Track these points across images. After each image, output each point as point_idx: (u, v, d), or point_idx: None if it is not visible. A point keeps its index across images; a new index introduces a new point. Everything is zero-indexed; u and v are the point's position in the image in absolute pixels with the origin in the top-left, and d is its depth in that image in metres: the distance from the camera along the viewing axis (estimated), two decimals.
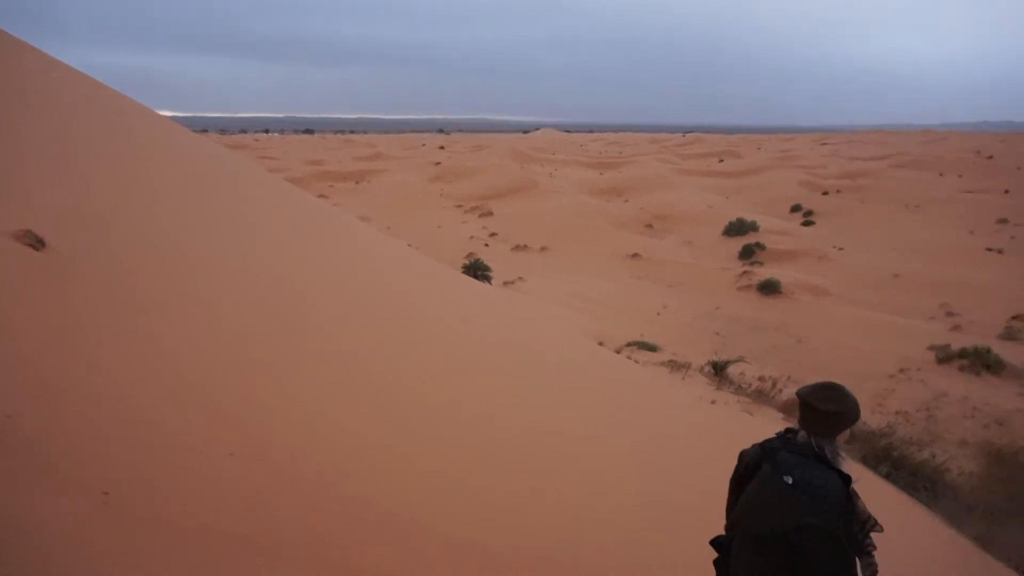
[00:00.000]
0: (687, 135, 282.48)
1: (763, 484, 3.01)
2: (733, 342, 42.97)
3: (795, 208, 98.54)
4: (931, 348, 41.64)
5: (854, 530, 2.87)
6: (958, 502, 19.43)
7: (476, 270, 49.31)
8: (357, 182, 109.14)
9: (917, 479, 18.78)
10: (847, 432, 3.10)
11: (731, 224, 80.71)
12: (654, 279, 62.11)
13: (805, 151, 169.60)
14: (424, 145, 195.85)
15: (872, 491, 15.21)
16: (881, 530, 3.01)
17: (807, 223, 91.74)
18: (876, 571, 2.95)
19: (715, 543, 3.36)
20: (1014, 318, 49.68)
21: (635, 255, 69.12)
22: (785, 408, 20.02)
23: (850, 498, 2.89)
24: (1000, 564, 13.61)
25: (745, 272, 61.63)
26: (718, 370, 24.54)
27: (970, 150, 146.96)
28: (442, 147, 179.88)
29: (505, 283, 53.82)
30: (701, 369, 24.64)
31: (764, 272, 60.99)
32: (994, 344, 42.74)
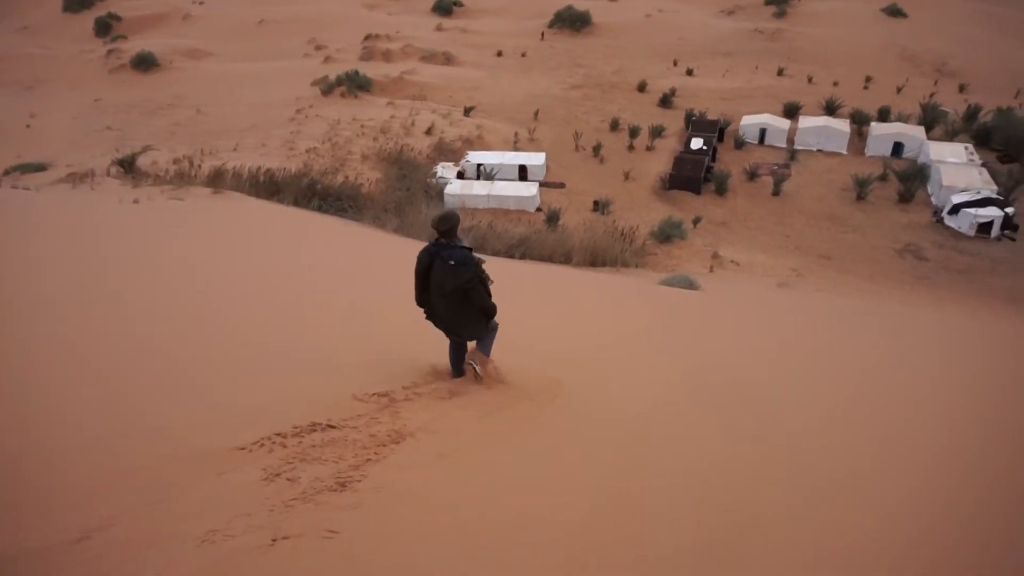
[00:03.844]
0: None
1: (442, 268, 5.70)
2: (131, 132, 39.14)
3: None
4: (314, 83, 45.14)
5: (482, 273, 5.78)
6: (376, 207, 23.34)
7: None
8: None
9: (342, 201, 21.67)
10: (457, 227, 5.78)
11: None
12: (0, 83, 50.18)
13: None
14: None
15: (310, 224, 17.05)
16: (484, 261, 5.89)
17: None
18: (490, 280, 5.94)
19: (419, 303, 6.05)
20: (366, 39, 56.60)
21: None
22: (211, 181, 19.97)
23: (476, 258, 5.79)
24: (410, 239, 17.28)
25: (112, 51, 54.26)
26: (128, 167, 22.57)
27: None
28: None
29: None
30: (108, 172, 22.23)
31: (132, 46, 54.71)
32: (359, 66, 48.62)
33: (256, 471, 4.13)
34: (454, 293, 5.67)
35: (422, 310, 6.11)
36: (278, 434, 4.63)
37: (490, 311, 5.90)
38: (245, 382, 5.73)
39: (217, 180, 20.20)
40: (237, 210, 16.57)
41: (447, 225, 5.67)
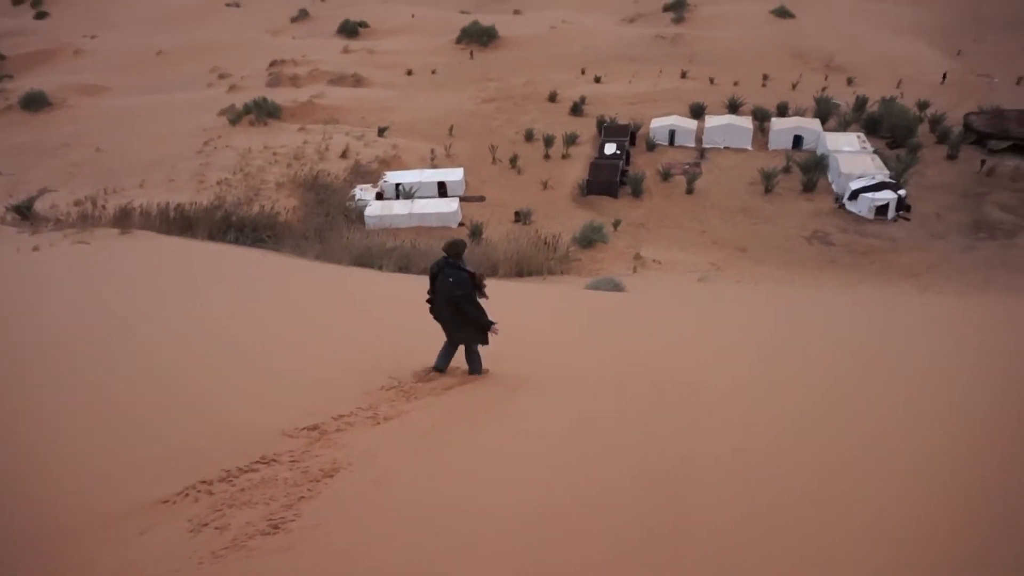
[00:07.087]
0: None
1: (443, 281, 6.98)
2: (25, 176, 36.97)
3: (17, 0, 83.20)
4: (221, 113, 43.83)
5: (480, 288, 7.09)
6: (295, 235, 22.81)
7: None
8: None
9: (259, 232, 21.09)
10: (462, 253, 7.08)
11: None
12: None
13: None
14: None
15: (221, 259, 16.52)
16: (485, 284, 7.20)
17: (41, 15, 79.28)
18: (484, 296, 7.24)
19: (428, 300, 7.21)
20: (271, 65, 55.49)
21: None
22: (118, 221, 19.08)
23: (475, 277, 7.04)
24: (338, 265, 16.95)
25: None
26: (24, 212, 21.31)
27: None
28: None
29: None
30: (2, 220, 20.93)
31: (20, 85, 51.82)
32: (266, 93, 47.56)
33: (181, 523, 3.96)
34: (450, 303, 6.96)
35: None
36: (203, 481, 4.46)
37: (481, 323, 7.08)
38: (164, 427, 5.48)
39: (124, 220, 19.32)
40: (144, 250, 15.90)
41: (454, 251, 7.08)
